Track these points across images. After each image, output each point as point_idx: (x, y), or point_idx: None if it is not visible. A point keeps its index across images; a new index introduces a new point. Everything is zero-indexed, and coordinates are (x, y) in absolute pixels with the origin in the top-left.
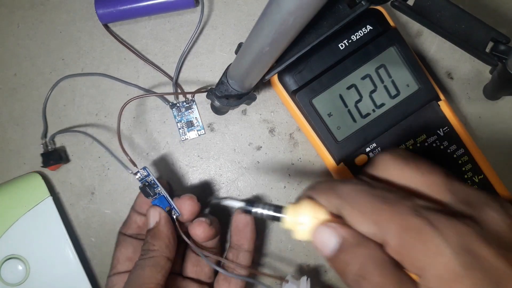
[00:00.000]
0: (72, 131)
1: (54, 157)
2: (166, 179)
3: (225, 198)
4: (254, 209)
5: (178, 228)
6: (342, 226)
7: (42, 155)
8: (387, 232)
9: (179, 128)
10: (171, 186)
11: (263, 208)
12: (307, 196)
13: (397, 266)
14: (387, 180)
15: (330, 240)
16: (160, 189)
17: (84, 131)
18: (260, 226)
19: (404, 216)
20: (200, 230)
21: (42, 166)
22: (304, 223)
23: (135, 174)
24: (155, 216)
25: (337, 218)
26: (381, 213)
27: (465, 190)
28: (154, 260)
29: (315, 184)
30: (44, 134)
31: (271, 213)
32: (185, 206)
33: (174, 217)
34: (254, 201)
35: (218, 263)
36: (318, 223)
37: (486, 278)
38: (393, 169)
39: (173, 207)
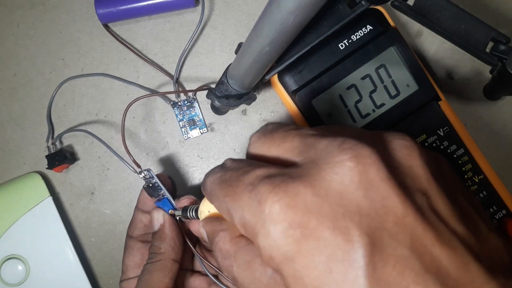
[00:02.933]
0: (78, 130)
1: (59, 158)
2: (168, 174)
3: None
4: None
5: (182, 229)
6: (205, 221)
7: (47, 157)
8: (233, 216)
9: (181, 127)
10: (173, 181)
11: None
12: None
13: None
14: (257, 157)
15: (202, 231)
16: (164, 192)
17: (88, 131)
18: None
19: (240, 194)
20: (197, 226)
21: (47, 168)
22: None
23: (140, 173)
24: (159, 218)
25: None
26: (227, 198)
27: (315, 146)
28: (161, 264)
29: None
30: (51, 137)
31: (187, 214)
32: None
33: (178, 218)
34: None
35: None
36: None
37: (322, 253)
38: (258, 147)
39: (176, 208)
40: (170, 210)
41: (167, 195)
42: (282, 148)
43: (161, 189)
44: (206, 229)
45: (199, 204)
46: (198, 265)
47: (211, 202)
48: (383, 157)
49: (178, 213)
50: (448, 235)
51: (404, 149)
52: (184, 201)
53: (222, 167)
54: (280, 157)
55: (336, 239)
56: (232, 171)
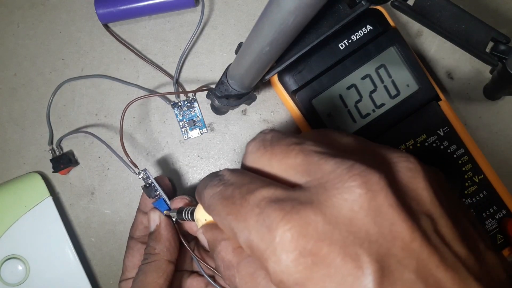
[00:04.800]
0: (80, 132)
1: (64, 161)
2: (168, 176)
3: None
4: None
5: (178, 230)
6: (205, 229)
7: (51, 160)
8: (238, 235)
9: (181, 127)
10: (173, 182)
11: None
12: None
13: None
14: (256, 170)
15: (202, 238)
16: (160, 192)
17: (91, 132)
18: None
19: (245, 216)
20: (194, 225)
21: (53, 172)
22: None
23: (139, 174)
24: (155, 219)
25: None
26: (230, 217)
27: (322, 167)
28: (156, 265)
29: (197, 186)
30: (51, 140)
31: (183, 216)
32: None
33: (174, 219)
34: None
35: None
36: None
37: (332, 280)
38: (256, 159)
39: (171, 209)
40: (165, 211)
41: (163, 195)
42: (284, 164)
43: (157, 189)
44: (207, 237)
45: (193, 205)
46: (196, 265)
47: (210, 215)
48: (390, 182)
49: (173, 214)
50: (451, 258)
51: (408, 172)
52: (178, 201)
53: (220, 179)
54: (282, 175)
55: (346, 266)
56: (234, 187)
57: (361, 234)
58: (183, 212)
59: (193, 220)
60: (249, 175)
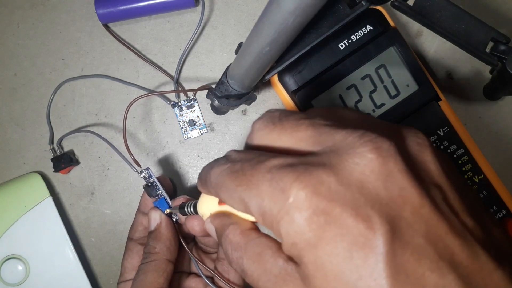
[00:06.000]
0: (81, 131)
1: (65, 160)
2: (169, 176)
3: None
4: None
5: (178, 230)
6: (213, 217)
7: (52, 160)
8: (249, 205)
9: (181, 127)
10: (173, 183)
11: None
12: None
13: (258, 232)
14: (264, 147)
15: (209, 227)
16: (161, 191)
17: (93, 131)
18: None
19: (257, 183)
20: (195, 223)
21: (54, 171)
22: (205, 215)
23: (141, 173)
24: (156, 218)
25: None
26: (241, 188)
27: (333, 137)
28: (156, 264)
29: (200, 173)
30: (51, 140)
31: (185, 210)
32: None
33: (174, 219)
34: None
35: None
36: (208, 215)
37: (344, 239)
38: (265, 135)
39: (172, 209)
40: (166, 210)
41: (164, 194)
42: (294, 137)
43: (158, 188)
44: (215, 224)
45: (195, 200)
46: (194, 267)
47: (217, 194)
48: (400, 150)
49: (175, 211)
50: (459, 226)
51: (417, 145)
52: (179, 200)
53: (226, 158)
54: (293, 147)
55: (358, 226)
56: (242, 162)
57: (372, 196)
58: (186, 207)
59: (196, 213)
60: (257, 152)
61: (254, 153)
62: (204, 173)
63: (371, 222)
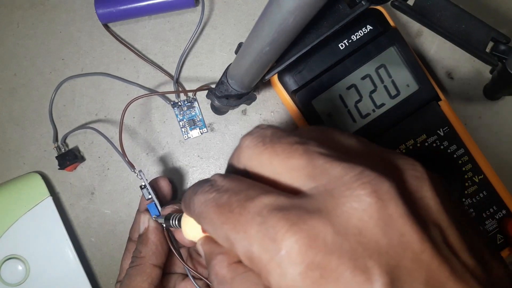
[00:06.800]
0: (85, 128)
1: (70, 157)
2: (168, 176)
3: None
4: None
5: (167, 236)
6: (204, 241)
7: (57, 157)
8: (236, 246)
9: (181, 127)
10: (173, 183)
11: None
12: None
13: (246, 266)
14: (252, 173)
15: (200, 249)
16: (152, 196)
17: (95, 128)
18: None
19: (245, 225)
20: (184, 236)
21: (59, 169)
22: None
23: (137, 174)
24: (144, 222)
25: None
26: (227, 226)
27: (328, 172)
28: (140, 269)
29: (184, 196)
30: (55, 138)
31: (170, 223)
32: (162, 187)
33: (164, 225)
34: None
35: None
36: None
37: None
38: (254, 156)
39: (160, 214)
40: (153, 216)
41: (154, 199)
42: (286, 165)
43: (149, 192)
44: (204, 249)
45: (181, 214)
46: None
47: (201, 224)
48: (400, 191)
49: (161, 220)
50: (460, 269)
51: (415, 180)
52: (168, 209)
53: (211, 184)
54: (285, 177)
55: (356, 279)
56: (229, 194)
57: (371, 245)
58: (171, 219)
59: (180, 227)
60: (246, 181)
61: (242, 183)
62: (188, 198)
63: (370, 273)
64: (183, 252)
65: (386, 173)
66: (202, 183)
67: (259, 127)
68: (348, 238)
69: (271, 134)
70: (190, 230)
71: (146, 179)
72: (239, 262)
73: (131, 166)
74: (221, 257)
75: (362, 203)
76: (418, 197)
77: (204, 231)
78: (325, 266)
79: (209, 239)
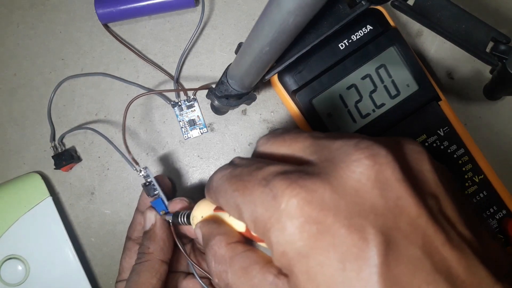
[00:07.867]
0: (83, 128)
1: (66, 157)
2: (168, 176)
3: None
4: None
5: (173, 231)
6: (203, 223)
7: (53, 157)
8: (243, 211)
9: (181, 127)
10: (173, 183)
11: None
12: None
13: (246, 245)
14: (265, 154)
15: (197, 232)
16: (158, 192)
17: (94, 128)
18: None
19: (251, 189)
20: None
21: (55, 168)
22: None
23: (140, 172)
24: (151, 218)
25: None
26: (237, 193)
27: (329, 146)
28: (149, 264)
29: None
30: (53, 137)
31: (179, 220)
32: (163, 185)
33: (170, 221)
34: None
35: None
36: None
37: (337, 250)
38: (267, 148)
39: (168, 210)
40: (161, 212)
41: (161, 195)
42: (293, 147)
43: (156, 188)
44: (203, 231)
45: (191, 208)
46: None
47: (217, 199)
48: (398, 158)
49: (168, 217)
50: (456, 238)
51: (415, 154)
52: (176, 202)
53: (231, 164)
54: (292, 156)
55: (351, 236)
56: (242, 167)
57: (367, 206)
58: (179, 216)
59: (189, 224)
60: (259, 159)
61: (255, 160)
62: (209, 179)
63: (365, 232)
64: (187, 249)
65: (386, 144)
66: (224, 165)
67: (273, 130)
68: (345, 197)
69: (281, 131)
70: (199, 213)
71: (152, 175)
72: (238, 241)
73: (135, 163)
74: (219, 237)
75: (360, 166)
76: (416, 169)
77: (215, 211)
78: (321, 221)
79: (207, 221)
